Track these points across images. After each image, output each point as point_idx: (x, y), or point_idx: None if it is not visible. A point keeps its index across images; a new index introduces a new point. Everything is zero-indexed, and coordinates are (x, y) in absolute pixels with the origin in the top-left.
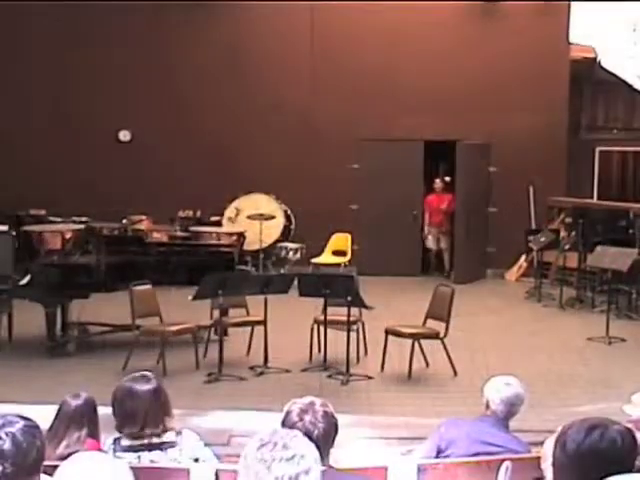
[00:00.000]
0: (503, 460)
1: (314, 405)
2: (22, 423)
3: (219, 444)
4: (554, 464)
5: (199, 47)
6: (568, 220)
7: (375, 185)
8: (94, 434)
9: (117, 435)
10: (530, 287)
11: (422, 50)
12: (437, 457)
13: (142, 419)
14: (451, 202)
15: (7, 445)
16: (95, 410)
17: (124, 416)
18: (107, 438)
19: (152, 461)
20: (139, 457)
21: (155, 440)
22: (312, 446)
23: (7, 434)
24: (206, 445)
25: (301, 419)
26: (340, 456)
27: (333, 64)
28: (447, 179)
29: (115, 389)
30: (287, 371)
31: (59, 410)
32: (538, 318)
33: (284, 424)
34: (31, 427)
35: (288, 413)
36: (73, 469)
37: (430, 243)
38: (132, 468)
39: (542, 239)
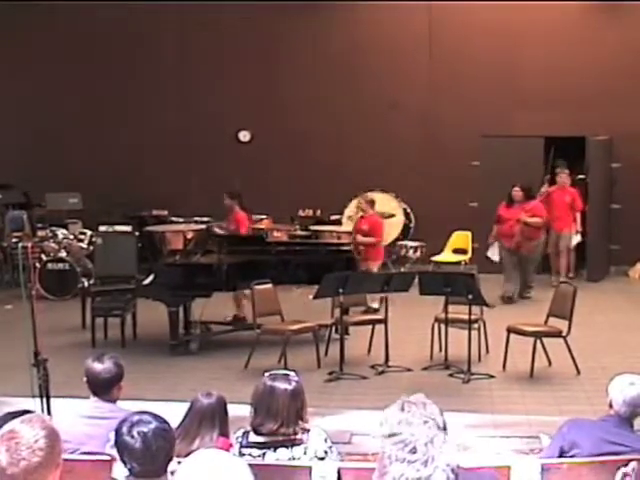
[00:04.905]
0: (629, 460)
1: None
2: (155, 425)
3: (340, 443)
4: None
5: (317, 48)
6: None
7: (495, 182)
8: (225, 433)
9: (247, 429)
10: None
11: (542, 45)
12: (560, 458)
13: (280, 419)
14: (577, 198)
15: (138, 445)
16: (226, 409)
17: (264, 414)
18: (236, 431)
19: (277, 460)
20: (263, 454)
21: (283, 438)
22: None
23: (139, 433)
24: None
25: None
26: (463, 455)
27: (452, 60)
28: (582, 176)
29: (257, 386)
30: (408, 370)
31: (190, 407)
32: None
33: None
34: (163, 430)
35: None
36: (193, 467)
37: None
38: (253, 465)
39: None
